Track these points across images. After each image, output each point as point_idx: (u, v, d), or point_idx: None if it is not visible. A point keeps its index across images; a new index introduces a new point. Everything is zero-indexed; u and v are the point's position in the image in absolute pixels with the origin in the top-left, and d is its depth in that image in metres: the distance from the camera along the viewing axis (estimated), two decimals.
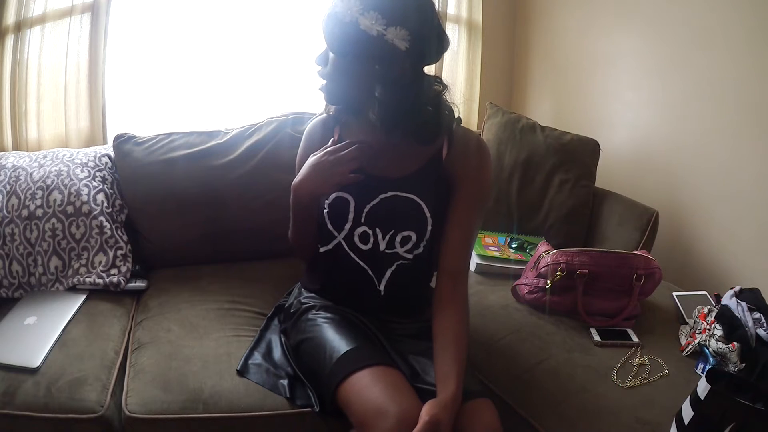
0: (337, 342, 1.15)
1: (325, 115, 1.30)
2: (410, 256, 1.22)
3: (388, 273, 1.23)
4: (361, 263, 1.23)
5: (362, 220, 1.20)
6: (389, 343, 1.20)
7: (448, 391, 1.02)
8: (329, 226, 1.23)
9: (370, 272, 1.23)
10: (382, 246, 1.21)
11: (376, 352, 1.15)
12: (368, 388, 1.03)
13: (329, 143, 1.21)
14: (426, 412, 0.98)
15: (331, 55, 1.13)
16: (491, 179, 1.26)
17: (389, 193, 1.19)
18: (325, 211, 1.23)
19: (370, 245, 1.21)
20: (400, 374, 1.10)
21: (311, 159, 1.19)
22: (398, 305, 1.26)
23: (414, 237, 1.20)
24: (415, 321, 1.27)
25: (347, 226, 1.21)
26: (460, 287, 1.19)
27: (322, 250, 1.26)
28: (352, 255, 1.23)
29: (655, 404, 1.17)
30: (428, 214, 1.19)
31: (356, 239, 1.21)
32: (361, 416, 1.01)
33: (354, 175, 1.16)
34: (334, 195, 1.21)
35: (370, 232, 1.21)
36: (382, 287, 1.23)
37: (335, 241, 1.23)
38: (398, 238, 1.20)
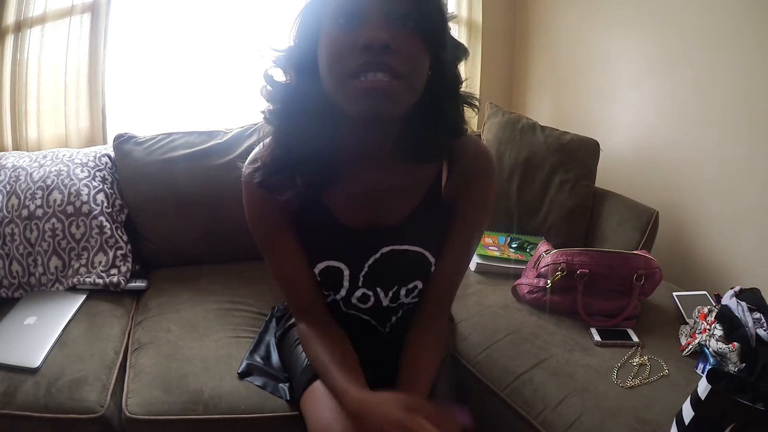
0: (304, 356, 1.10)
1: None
2: (416, 300, 1.09)
3: (394, 319, 1.11)
4: (362, 316, 1.09)
5: (359, 284, 1.04)
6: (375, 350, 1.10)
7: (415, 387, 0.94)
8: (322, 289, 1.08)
9: (373, 322, 1.10)
10: (386, 302, 1.07)
11: None
12: (321, 402, 0.98)
13: None
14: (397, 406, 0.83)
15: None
16: (494, 199, 1.07)
17: (387, 248, 1.01)
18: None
19: (371, 303, 1.07)
20: None
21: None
22: (403, 336, 1.10)
23: (420, 285, 1.06)
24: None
25: (343, 292, 1.05)
26: (441, 320, 1.08)
27: None
28: (351, 311, 1.09)
29: (655, 404, 1.17)
30: (432, 260, 1.04)
31: (354, 301, 1.06)
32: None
33: None
34: (323, 265, 1.01)
35: (370, 293, 1.05)
36: (387, 329, 1.12)
37: (329, 299, 1.08)
38: (403, 292, 1.06)
